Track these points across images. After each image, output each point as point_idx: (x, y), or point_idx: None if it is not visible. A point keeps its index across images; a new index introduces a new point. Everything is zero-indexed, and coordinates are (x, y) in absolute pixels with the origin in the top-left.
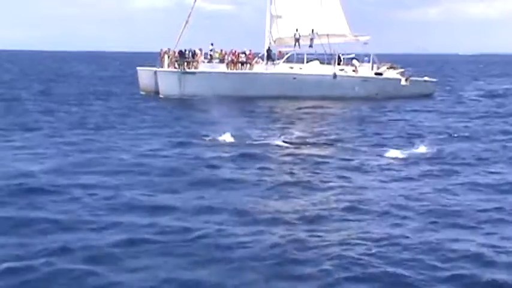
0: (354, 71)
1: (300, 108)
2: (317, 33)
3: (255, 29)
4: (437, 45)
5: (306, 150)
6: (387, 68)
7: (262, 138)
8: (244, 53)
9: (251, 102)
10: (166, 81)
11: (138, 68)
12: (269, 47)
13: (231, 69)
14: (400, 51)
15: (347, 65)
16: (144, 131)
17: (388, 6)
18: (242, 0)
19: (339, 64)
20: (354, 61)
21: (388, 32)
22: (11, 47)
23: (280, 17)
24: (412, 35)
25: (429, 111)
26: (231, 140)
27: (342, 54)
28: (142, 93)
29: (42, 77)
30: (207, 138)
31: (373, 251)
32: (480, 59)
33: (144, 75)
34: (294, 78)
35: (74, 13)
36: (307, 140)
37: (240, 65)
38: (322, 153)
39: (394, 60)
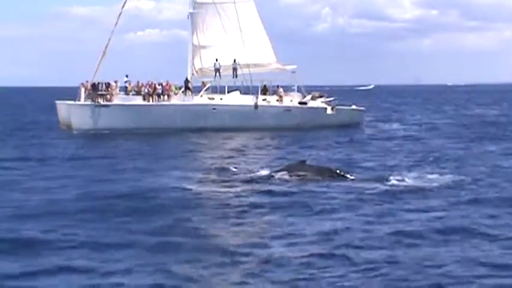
0: (278, 100)
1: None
2: (239, 64)
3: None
4: (429, 76)
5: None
6: (312, 97)
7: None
8: (161, 84)
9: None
10: (78, 114)
11: (56, 101)
12: (186, 78)
13: (147, 101)
14: (394, 82)
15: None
16: None
17: (381, 37)
18: None
19: (264, 94)
20: (280, 90)
21: (382, 63)
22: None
23: (204, 47)
24: (405, 66)
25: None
26: None
27: (279, 85)
28: (62, 127)
29: None
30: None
31: None
32: (467, 89)
33: (62, 108)
34: (214, 109)
35: (72, 49)
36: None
37: (156, 96)
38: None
39: (387, 92)
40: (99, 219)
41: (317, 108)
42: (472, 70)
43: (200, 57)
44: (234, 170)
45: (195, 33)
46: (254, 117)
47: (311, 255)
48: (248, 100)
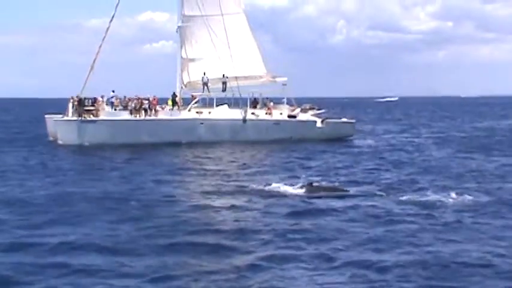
0: (267, 113)
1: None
2: (227, 77)
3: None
4: (443, 88)
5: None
6: (302, 110)
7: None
8: (148, 99)
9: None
10: (65, 130)
11: (45, 115)
12: (174, 92)
13: (134, 116)
14: (409, 93)
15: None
16: None
17: (397, 49)
18: None
19: (255, 107)
20: (270, 103)
21: (397, 75)
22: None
23: (192, 60)
24: (419, 77)
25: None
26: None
27: (268, 98)
28: (51, 139)
29: None
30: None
31: None
32: (481, 101)
33: (50, 123)
34: (201, 123)
35: (83, 60)
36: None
37: (143, 111)
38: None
39: (402, 103)
40: (113, 226)
41: (306, 121)
42: (486, 82)
43: (188, 71)
44: (242, 185)
45: (183, 47)
46: (242, 131)
47: (320, 262)
48: (236, 114)
